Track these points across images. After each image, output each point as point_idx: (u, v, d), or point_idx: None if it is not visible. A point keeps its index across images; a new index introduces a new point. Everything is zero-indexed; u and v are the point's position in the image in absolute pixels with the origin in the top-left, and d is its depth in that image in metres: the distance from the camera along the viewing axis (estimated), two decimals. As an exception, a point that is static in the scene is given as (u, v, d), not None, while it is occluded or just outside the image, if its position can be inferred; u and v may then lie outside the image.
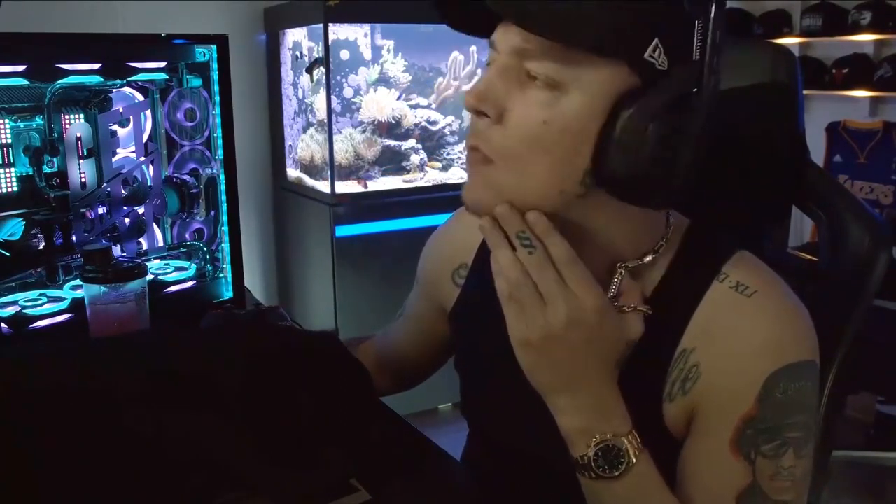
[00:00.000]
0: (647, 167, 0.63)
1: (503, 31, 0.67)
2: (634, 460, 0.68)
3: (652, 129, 0.62)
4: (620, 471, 0.68)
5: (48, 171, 1.17)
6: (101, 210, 1.23)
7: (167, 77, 1.29)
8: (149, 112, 1.30)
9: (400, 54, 2.81)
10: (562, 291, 0.65)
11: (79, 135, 1.18)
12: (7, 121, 1.14)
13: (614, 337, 0.69)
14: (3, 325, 1.07)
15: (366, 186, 2.72)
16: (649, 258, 0.73)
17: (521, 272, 0.66)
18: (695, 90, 0.63)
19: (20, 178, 1.16)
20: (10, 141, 1.15)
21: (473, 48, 2.84)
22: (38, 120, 1.16)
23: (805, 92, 3.79)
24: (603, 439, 0.68)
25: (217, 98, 1.32)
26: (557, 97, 0.64)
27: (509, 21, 0.65)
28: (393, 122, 2.79)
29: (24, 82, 1.13)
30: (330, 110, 2.60)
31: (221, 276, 1.39)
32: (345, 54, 2.72)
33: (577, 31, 0.61)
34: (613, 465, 0.68)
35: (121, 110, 1.25)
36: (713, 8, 0.63)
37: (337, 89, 2.69)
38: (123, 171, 1.25)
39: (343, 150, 2.72)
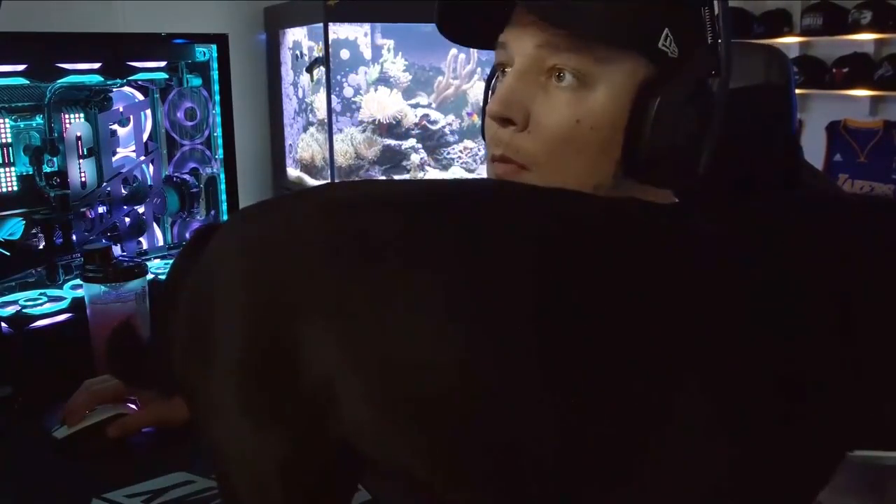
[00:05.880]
0: (682, 148, 0.64)
1: (517, 35, 0.66)
2: None
3: (685, 111, 0.63)
4: None
5: (48, 170, 1.17)
6: (101, 209, 1.23)
7: (167, 76, 1.29)
8: (149, 111, 1.30)
9: (400, 54, 2.81)
10: None
11: (79, 134, 1.18)
12: (7, 120, 1.15)
13: None
14: (3, 324, 1.08)
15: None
16: None
17: None
18: (713, 72, 0.64)
19: (20, 178, 1.16)
20: (10, 140, 1.15)
21: (473, 47, 2.85)
22: (39, 119, 1.16)
23: (805, 91, 3.80)
24: None
25: (217, 97, 1.32)
26: (584, 95, 0.64)
27: (545, 20, 0.63)
28: (393, 122, 2.80)
29: (24, 82, 1.13)
30: (330, 110, 2.61)
31: (221, 275, 1.39)
32: (345, 54, 2.72)
33: (603, 24, 0.62)
34: None
35: (121, 110, 1.25)
36: None
37: (337, 89, 2.70)
38: (123, 170, 1.25)
39: (343, 149, 2.72)
